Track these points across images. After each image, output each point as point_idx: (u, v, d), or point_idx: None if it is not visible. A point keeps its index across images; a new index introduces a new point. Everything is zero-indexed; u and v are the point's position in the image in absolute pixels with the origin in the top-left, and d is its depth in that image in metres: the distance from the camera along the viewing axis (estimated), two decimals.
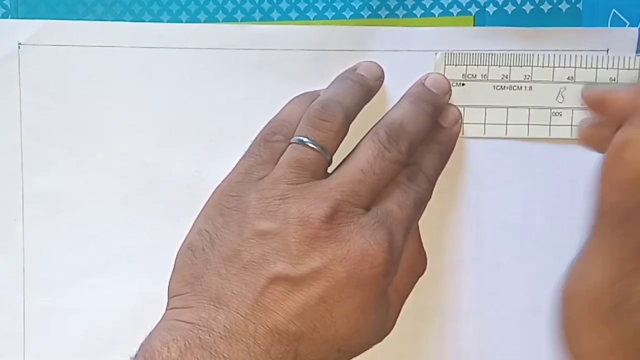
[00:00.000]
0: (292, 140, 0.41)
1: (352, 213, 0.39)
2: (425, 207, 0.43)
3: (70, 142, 0.47)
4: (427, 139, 0.44)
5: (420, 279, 0.45)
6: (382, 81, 0.46)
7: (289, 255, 0.38)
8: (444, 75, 0.46)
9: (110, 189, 0.47)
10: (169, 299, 0.40)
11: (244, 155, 0.42)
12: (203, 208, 0.42)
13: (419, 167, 0.43)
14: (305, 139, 0.41)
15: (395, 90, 0.46)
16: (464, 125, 0.47)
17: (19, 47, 0.46)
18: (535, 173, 0.48)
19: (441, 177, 0.45)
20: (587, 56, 0.47)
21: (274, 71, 0.47)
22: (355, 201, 0.40)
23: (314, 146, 0.41)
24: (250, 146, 0.43)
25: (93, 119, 0.47)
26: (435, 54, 0.47)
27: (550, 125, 0.47)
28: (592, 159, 0.48)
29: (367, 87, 0.44)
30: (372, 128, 0.43)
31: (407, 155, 0.42)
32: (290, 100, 0.44)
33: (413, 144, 0.42)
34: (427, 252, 0.44)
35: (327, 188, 0.40)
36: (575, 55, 0.47)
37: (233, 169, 0.42)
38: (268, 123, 0.43)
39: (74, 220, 0.47)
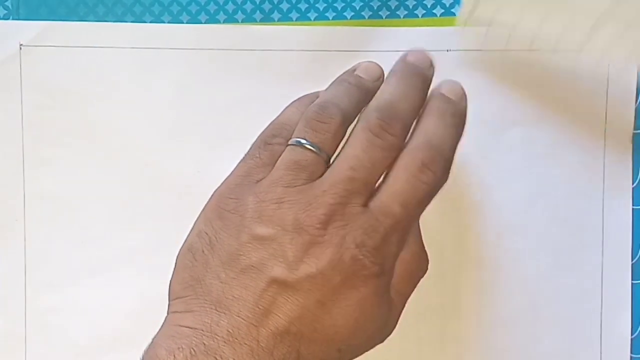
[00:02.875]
0: (289, 142, 0.41)
1: (347, 214, 0.39)
2: (432, 197, 0.41)
3: (71, 142, 0.47)
4: (437, 114, 0.42)
5: (421, 279, 0.45)
6: (382, 81, 0.45)
7: (286, 260, 0.38)
8: (424, 51, 0.44)
9: (111, 190, 0.47)
10: (170, 301, 0.40)
11: (243, 158, 0.42)
12: (203, 210, 0.42)
13: (437, 148, 0.41)
14: (302, 141, 0.41)
15: None
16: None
17: (20, 48, 0.46)
18: (535, 173, 0.48)
19: None
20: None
21: (275, 72, 0.47)
22: (349, 201, 0.39)
23: (311, 147, 0.41)
24: (250, 149, 0.43)
25: (94, 120, 0.47)
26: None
27: None
28: (592, 158, 0.48)
29: (365, 88, 0.44)
30: (361, 112, 0.42)
31: (402, 138, 0.41)
32: (291, 103, 0.44)
33: (407, 123, 0.41)
34: (428, 253, 0.44)
35: (321, 191, 0.39)
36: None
37: (232, 172, 0.42)
38: (268, 126, 0.43)
39: (75, 221, 0.47)
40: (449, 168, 0.41)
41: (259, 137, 0.43)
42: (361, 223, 0.39)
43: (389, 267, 0.40)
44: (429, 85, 0.43)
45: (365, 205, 0.40)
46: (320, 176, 0.41)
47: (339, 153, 0.41)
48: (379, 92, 0.42)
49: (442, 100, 0.42)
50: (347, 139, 0.41)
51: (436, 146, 0.41)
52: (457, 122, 0.42)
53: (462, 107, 0.43)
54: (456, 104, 0.43)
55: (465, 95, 0.43)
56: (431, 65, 0.44)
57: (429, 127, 0.41)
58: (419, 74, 0.43)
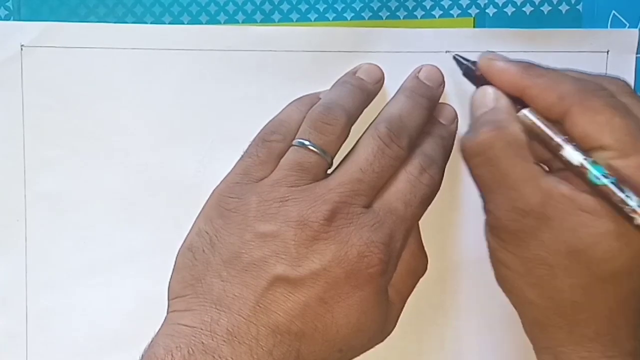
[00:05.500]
0: (293, 143, 0.41)
1: (351, 214, 0.39)
2: (431, 201, 0.43)
3: (72, 142, 0.47)
4: (431, 134, 0.44)
5: (421, 279, 0.45)
6: (382, 84, 0.46)
7: (289, 257, 0.38)
8: (437, 67, 0.46)
9: (112, 190, 0.47)
10: (169, 300, 0.40)
11: (242, 156, 0.42)
12: (202, 209, 0.42)
13: (432, 158, 0.43)
14: (306, 142, 0.41)
15: (395, 91, 0.46)
16: None
17: (21, 49, 0.46)
18: None
19: None
20: (587, 57, 0.47)
21: (275, 72, 0.47)
22: (354, 201, 0.40)
23: (315, 149, 0.41)
24: (249, 146, 0.43)
25: (95, 120, 0.47)
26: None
27: None
28: None
29: (367, 91, 0.44)
30: (371, 123, 0.43)
31: (407, 150, 0.42)
32: (291, 102, 0.45)
33: (412, 138, 0.42)
34: (427, 252, 0.45)
35: (327, 189, 0.40)
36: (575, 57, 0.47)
37: (231, 170, 0.42)
38: (267, 124, 0.44)
39: (76, 221, 0.47)
40: (442, 176, 0.44)
41: (257, 135, 0.43)
42: (366, 221, 0.39)
43: (393, 266, 0.40)
44: (436, 104, 0.46)
45: (369, 207, 0.40)
46: (323, 177, 0.41)
47: (347, 155, 0.42)
48: (389, 105, 0.44)
49: (416, 82, 0.45)
50: (357, 144, 0.42)
51: (431, 155, 0.43)
52: (426, 104, 0.44)
53: (436, 93, 0.46)
54: (431, 88, 0.45)
55: (443, 83, 0.46)
56: (441, 84, 0.46)
57: (424, 142, 0.44)
58: (427, 94, 0.45)
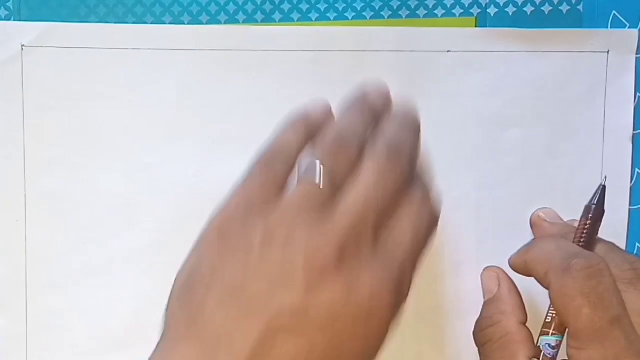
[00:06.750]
0: (300, 174, 0.40)
1: (360, 250, 0.38)
2: (436, 227, 0.42)
3: (72, 143, 0.47)
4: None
5: (421, 279, 0.44)
6: (390, 102, 0.44)
7: (296, 293, 0.37)
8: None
9: (112, 190, 0.47)
10: (164, 329, 0.38)
11: (242, 182, 0.40)
12: (203, 235, 0.39)
13: (430, 186, 0.41)
14: (317, 173, 0.39)
15: (397, 91, 0.46)
16: None
17: (22, 49, 0.46)
18: (534, 173, 0.48)
19: (441, 178, 0.45)
20: (587, 57, 0.47)
21: (276, 72, 0.47)
22: (363, 238, 0.38)
23: (323, 180, 0.39)
24: (249, 173, 0.40)
25: (95, 121, 0.47)
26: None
27: None
28: (591, 158, 0.48)
29: (378, 114, 0.43)
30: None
31: (412, 172, 0.40)
32: (284, 126, 0.42)
33: (414, 159, 0.41)
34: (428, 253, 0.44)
35: (335, 225, 0.38)
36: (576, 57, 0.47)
37: (232, 196, 0.40)
38: (265, 149, 0.41)
39: (76, 221, 0.47)
40: (413, 166, 0.42)
41: (257, 161, 0.41)
42: (376, 258, 0.38)
43: (403, 297, 0.39)
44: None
45: (378, 239, 0.39)
46: (330, 209, 0.39)
47: (352, 184, 0.40)
48: (384, 131, 0.42)
49: (405, 109, 0.43)
50: (360, 171, 0.40)
51: (430, 184, 0.42)
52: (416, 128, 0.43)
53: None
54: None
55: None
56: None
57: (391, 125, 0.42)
58: (414, 121, 0.43)
